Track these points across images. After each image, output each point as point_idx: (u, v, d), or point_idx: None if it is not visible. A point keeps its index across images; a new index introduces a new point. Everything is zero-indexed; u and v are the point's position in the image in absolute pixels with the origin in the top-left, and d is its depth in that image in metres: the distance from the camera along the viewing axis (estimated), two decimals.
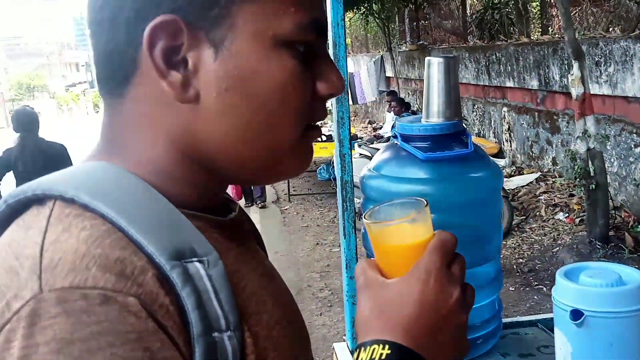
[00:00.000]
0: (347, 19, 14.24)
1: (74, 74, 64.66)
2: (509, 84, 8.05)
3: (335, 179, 6.94)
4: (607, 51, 5.65)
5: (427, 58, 1.24)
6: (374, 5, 12.05)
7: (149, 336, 0.46)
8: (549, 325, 1.38)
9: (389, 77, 13.90)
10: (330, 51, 1.24)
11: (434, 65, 1.21)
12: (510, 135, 8.19)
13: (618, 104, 5.67)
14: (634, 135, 5.47)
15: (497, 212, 1.28)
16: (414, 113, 9.26)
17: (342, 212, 1.38)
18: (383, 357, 0.56)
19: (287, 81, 0.57)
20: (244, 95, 0.56)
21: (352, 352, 0.51)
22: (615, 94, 5.62)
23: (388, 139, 8.52)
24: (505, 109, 8.29)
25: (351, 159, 1.32)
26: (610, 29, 6.58)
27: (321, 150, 8.70)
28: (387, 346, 0.57)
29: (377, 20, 12.76)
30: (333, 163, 7.78)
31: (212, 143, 0.58)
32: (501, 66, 8.19)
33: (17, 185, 7.54)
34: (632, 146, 5.51)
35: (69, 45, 67.64)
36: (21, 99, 48.73)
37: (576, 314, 0.93)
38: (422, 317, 0.59)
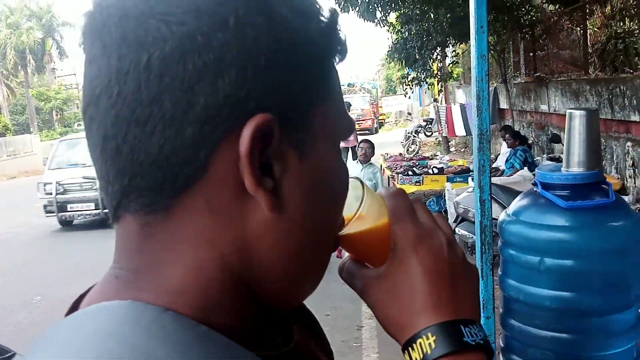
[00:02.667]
0: (460, 51, 14.19)
1: None
2: (634, 118, 7.69)
3: (445, 211, 6.89)
4: None
5: (568, 111, 1.29)
6: (489, 36, 11.96)
7: None
8: None
9: (503, 109, 13.64)
10: (473, 102, 1.34)
11: (576, 118, 1.27)
12: (634, 172, 7.80)
13: None
14: None
15: (638, 260, 1.30)
16: (529, 147, 9.04)
17: (480, 255, 1.45)
18: (433, 346, 0.54)
19: (343, 187, 0.56)
20: (320, 202, 0.52)
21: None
22: None
23: (502, 172, 8.36)
24: (629, 143, 7.91)
25: (490, 204, 1.40)
26: None
27: (432, 183, 8.69)
28: (429, 334, 0.54)
29: (492, 52, 12.61)
30: (444, 196, 7.74)
31: (270, 257, 0.50)
32: (625, 99, 7.85)
33: None
34: None
35: None
36: None
37: None
38: (435, 282, 0.56)
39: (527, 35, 12.46)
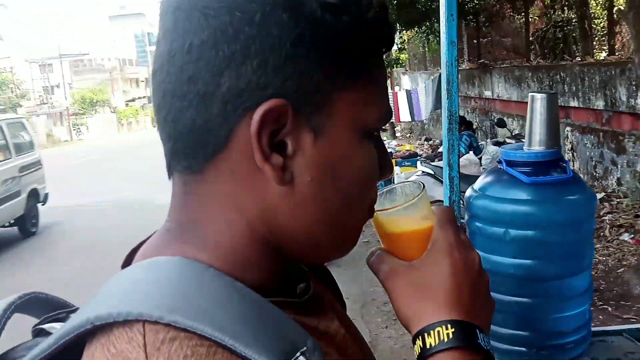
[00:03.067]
0: (406, 38, 14.40)
1: (134, 90, 66.70)
2: (573, 103, 8.02)
3: None
4: None
5: (530, 94, 1.40)
6: (435, 24, 12.17)
7: None
8: (634, 334, 1.52)
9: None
10: (443, 86, 1.44)
11: (538, 101, 1.38)
12: (573, 155, 8.14)
13: None
14: None
15: (590, 231, 1.43)
16: (473, 131, 9.31)
17: None
18: (450, 336, 0.60)
19: (370, 167, 0.60)
20: (334, 180, 0.57)
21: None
22: None
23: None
24: (568, 128, 8.24)
25: (459, 181, 1.51)
26: None
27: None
28: (449, 325, 0.60)
29: (438, 39, 12.85)
30: (393, 180, 7.91)
31: (292, 225, 0.57)
32: (565, 86, 8.16)
33: None
34: None
35: (130, 61, 69.78)
36: (84, 113, 50.46)
37: None
38: (461, 287, 0.63)
39: (471, 23, 12.75)
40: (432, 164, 7.66)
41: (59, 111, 48.72)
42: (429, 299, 0.63)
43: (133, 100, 64.19)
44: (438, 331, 0.60)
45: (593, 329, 1.55)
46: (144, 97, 68.92)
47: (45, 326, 0.58)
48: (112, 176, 17.48)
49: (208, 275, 0.53)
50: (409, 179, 6.89)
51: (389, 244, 0.68)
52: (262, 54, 0.51)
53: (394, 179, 7.97)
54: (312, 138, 0.54)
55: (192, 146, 0.55)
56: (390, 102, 0.68)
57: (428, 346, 0.60)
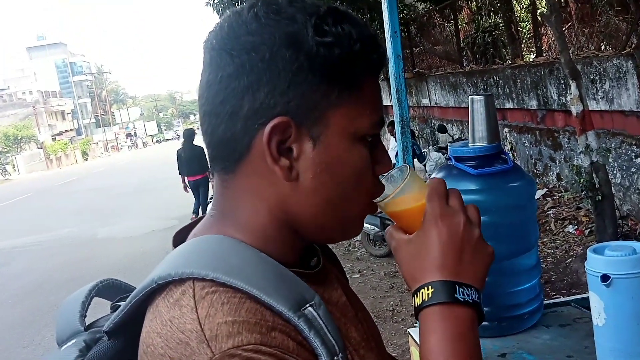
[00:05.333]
0: None
1: (60, 123, 64.90)
2: (509, 105, 8.29)
3: None
4: (602, 69, 5.95)
5: (470, 97, 1.61)
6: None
7: None
8: (580, 303, 1.73)
9: (387, 106, 14.29)
10: (394, 95, 1.64)
11: (477, 102, 1.59)
12: (513, 155, 8.35)
13: (616, 118, 5.96)
14: (634, 146, 5.74)
15: (533, 212, 1.64)
16: (415, 139, 9.63)
17: None
18: (430, 295, 0.73)
19: (362, 167, 0.74)
20: (332, 176, 0.72)
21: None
22: (612, 109, 5.91)
23: (394, 165, 8.82)
24: (506, 129, 8.52)
25: None
26: (602, 47, 6.87)
27: None
28: (429, 287, 0.73)
29: None
30: None
31: (302, 212, 0.73)
32: (499, 89, 8.45)
33: (180, 168, 10.63)
34: (633, 157, 5.78)
35: (53, 93, 67.85)
36: (8, 152, 48.74)
37: (604, 278, 1.28)
38: (445, 251, 0.74)
39: (402, 33, 13.10)
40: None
41: None
42: (419, 266, 0.76)
43: (60, 133, 62.57)
44: (422, 292, 0.74)
45: (544, 302, 1.76)
46: (71, 129, 67.27)
47: (121, 303, 0.75)
48: (47, 214, 17.09)
49: (241, 246, 0.71)
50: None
51: (396, 222, 0.82)
52: (271, 83, 0.69)
53: None
54: (312, 145, 0.70)
55: (224, 152, 0.73)
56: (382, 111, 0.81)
57: (416, 305, 0.75)
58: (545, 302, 1.75)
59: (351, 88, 0.72)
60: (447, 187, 0.79)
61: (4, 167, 45.02)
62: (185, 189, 10.74)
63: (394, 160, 9.21)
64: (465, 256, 0.75)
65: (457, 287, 0.73)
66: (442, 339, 0.72)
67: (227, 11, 0.75)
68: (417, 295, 0.75)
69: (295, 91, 0.69)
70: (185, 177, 10.53)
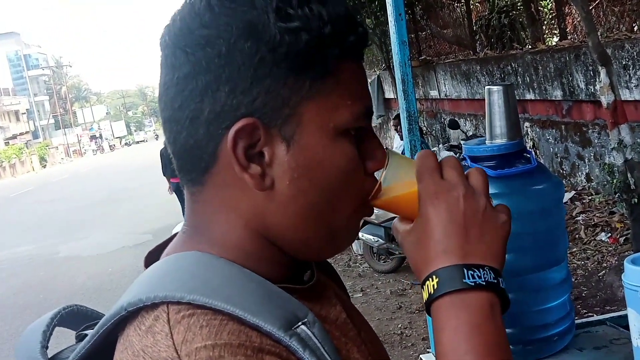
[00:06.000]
0: None
1: (14, 125, 64.70)
2: (529, 96, 8.35)
3: None
4: (635, 53, 5.99)
5: (486, 87, 1.61)
6: (366, 19, 12.46)
7: None
8: (617, 322, 1.73)
9: (389, 99, 14.30)
10: (399, 87, 1.64)
11: (495, 93, 1.59)
12: (536, 153, 8.38)
13: None
14: None
15: (561, 219, 1.65)
16: (424, 137, 9.65)
17: None
18: (435, 287, 0.70)
19: (347, 166, 0.73)
20: (312, 181, 0.72)
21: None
22: None
23: None
24: (527, 124, 8.57)
25: None
26: (635, 28, 6.91)
27: None
28: (434, 277, 0.71)
29: (372, 36, 13.15)
30: None
31: (281, 223, 0.73)
32: (518, 77, 8.50)
33: (164, 169, 10.47)
34: None
35: (5, 91, 67.65)
36: None
37: None
38: (448, 232, 0.72)
39: (407, 16, 13.08)
40: None
41: None
42: (423, 254, 0.74)
43: (14, 137, 62.32)
44: (427, 285, 0.72)
45: (576, 321, 1.77)
46: (27, 132, 67.08)
47: (87, 332, 0.74)
48: (1, 230, 17.07)
49: (220, 262, 0.71)
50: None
51: (395, 213, 0.81)
52: (231, 81, 0.69)
53: None
54: (286, 146, 0.71)
55: (190, 162, 0.74)
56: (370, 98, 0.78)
57: (425, 299, 0.73)
58: (577, 321, 1.75)
59: (324, 77, 0.71)
60: (431, 159, 0.77)
61: None
62: (169, 190, 10.83)
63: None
64: (472, 232, 0.72)
65: (466, 271, 0.70)
66: (454, 334, 0.69)
67: (183, 2, 0.74)
68: (423, 290, 0.73)
69: (259, 87, 0.69)
70: (170, 179, 10.57)
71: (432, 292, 0.71)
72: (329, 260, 0.91)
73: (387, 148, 0.80)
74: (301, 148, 0.71)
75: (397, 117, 10.68)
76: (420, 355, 1.76)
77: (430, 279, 0.71)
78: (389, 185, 0.78)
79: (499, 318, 0.70)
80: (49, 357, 0.76)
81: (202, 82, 0.69)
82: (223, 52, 0.68)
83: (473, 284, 0.69)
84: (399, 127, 9.54)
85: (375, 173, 0.78)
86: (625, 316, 1.37)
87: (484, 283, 0.70)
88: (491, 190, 1.56)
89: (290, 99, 0.70)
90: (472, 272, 0.70)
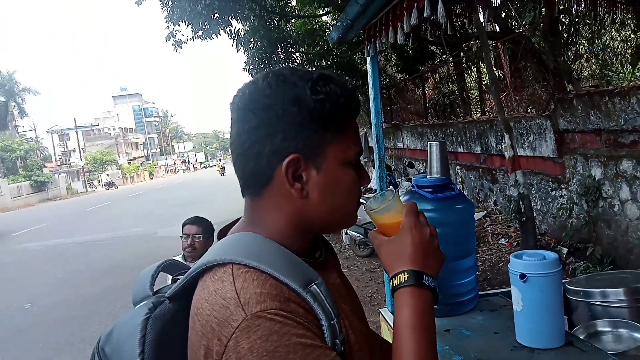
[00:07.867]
0: None
1: (134, 151, 64.98)
2: (460, 149, 8.26)
3: None
4: (528, 126, 5.96)
5: (428, 142, 1.64)
6: (359, 96, 12.43)
7: (304, 331, 0.63)
8: (505, 294, 1.72)
9: (372, 147, 14.25)
10: (374, 139, 1.67)
11: (434, 146, 1.61)
12: (462, 186, 8.36)
13: (537, 162, 5.94)
14: (550, 182, 5.72)
15: (472, 227, 1.65)
16: (391, 172, 9.62)
17: None
18: (405, 279, 0.75)
19: (351, 183, 0.76)
20: (332, 192, 0.74)
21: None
22: (535, 154, 5.90)
23: (374, 190, 8.81)
24: (458, 167, 8.49)
25: None
26: (528, 110, 6.95)
27: None
28: (405, 273, 0.75)
29: (363, 106, 13.14)
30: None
31: (313, 217, 0.75)
32: (454, 137, 8.43)
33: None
34: (549, 190, 5.76)
35: (130, 130, 68.05)
36: (95, 171, 48.86)
37: (522, 276, 1.30)
38: (417, 249, 0.77)
39: (384, 95, 13.16)
40: (366, 196, 7.83)
41: (75, 170, 46.97)
42: (397, 259, 0.78)
43: (134, 159, 62.56)
44: (399, 277, 0.76)
45: (480, 293, 1.76)
46: (142, 156, 67.27)
47: (179, 277, 0.77)
48: (121, 217, 16.96)
49: (266, 241, 0.73)
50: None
51: (379, 228, 0.84)
52: (284, 131, 0.71)
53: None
54: (316, 172, 0.73)
55: (252, 183, 0.75)
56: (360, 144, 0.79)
57: (394, 285, 0.76)
58: (480, 293, 1.75)
59: (340, 130, 0.74)
60: (416, 208, 0.81)
61: (92, 182, 45.13)
62: None
63: (373, 182, 9.22)
64: (428, 255, 0.77)
65: (424, 276, 0.75)
66: (411, 312, 0.73)
67: (246, 81, 0.76)
68: (395, 279, 0.76)
69: (301, 135, 0.71)
70: None
71: (402, 281, 0.75)
72: (331, 244, 0.91)
73: (393, 189, 0.84)
74: (326, 173, 0.73)
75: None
76: (380, 309, 1.75)
77: (402, 274, 0.75)
78: (388, 212, 0.81)
79: (432, 306, 0.76)
80: (154, 290, 0.78)
81: (265, 131, 0.71)
82: (279, 113, 0.70)
83: (427, 284, 0.75)
84: (374, 164, 9.49)
85: (371, 195, 0.80)
86: (510, 291, 1.37)
87: (432, 286, 0.76)
88: (428, 207, 1.59)
89: (320, 143, 0.72)
90: (427, 278, 0.75)
